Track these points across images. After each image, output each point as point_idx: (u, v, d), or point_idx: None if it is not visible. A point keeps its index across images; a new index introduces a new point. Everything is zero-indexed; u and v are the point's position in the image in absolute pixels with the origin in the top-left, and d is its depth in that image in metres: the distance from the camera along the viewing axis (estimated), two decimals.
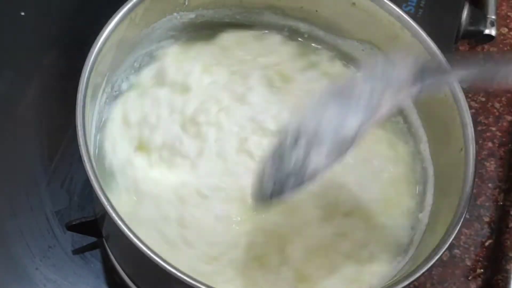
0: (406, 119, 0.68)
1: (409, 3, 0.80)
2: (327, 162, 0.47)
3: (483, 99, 0.83)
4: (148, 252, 0.50)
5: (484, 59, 0.49)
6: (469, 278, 0.73)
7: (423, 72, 0.47)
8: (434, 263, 0.53)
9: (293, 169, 0.48)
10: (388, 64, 0.48)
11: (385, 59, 0.51)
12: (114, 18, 0.59)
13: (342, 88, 0.49)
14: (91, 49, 0.57)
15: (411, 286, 0.53)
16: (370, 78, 0.48)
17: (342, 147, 0.47)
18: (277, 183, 0.48)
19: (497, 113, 0.82)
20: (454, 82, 0.50)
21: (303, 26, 0.70)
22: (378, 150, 0.66)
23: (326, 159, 0.47)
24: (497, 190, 0.77)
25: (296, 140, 0.48)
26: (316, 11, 0.68)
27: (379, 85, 0.47)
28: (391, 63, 0.48)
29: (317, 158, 0.47)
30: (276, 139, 0.50)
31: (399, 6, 0.64)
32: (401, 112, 0.68)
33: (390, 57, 0.52)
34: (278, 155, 0.48)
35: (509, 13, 0.88)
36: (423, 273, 0.53)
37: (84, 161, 0.53)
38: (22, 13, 0.77)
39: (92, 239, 0.68)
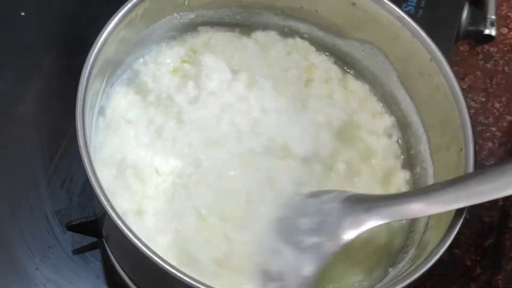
0: (406, 120, 0.68)
1: (409, 3, 0.80)
2: None
3: (483, 99, 0.83)
4: (148, 252, 0.50)
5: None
6: (469, 278, 0.73)
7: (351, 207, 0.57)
8: (434, 263, 0.53)
9: None
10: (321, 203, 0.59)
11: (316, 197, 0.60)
12: (114, 18, 0.59)
13: (290, 234, 0.58)
14: (91, 49, 0.57)
15: (411, 286, 0.53)
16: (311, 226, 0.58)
17: (308, 283, 0.56)
18: None
19: (497, 113, 0.82)
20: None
21: (303, 26, 0.70)
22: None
23: None
24: None
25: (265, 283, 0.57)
26: (316, 11, 0.68)
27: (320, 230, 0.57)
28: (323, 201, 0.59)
29: None
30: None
31: (399, 6, 0.64)
32: (401, 112, 0.68)
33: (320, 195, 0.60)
34: None
35: (509, 13, 0.88)
36: (423, 273, 0.53)
37: (84, 161, 0.53)
38: (22, 13, 0.77)
39: (92, 239, 0.68)
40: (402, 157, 0.67)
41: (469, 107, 0.60)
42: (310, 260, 0.56)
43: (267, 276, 0.57)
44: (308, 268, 0.56)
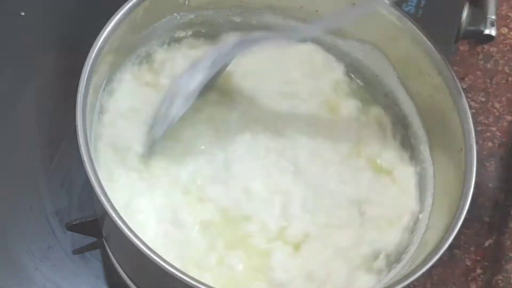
0: (406, 119, 0.68)
1: (409, 3, 0.79)
2: (183, 108, 0.62)
3: (483, 99, 0.83)
4: (148, 252, 0.50)
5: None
6: (469, 278, 0.73)
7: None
8: (434, 263, 0.53)
9: (160, 117, 0.62)
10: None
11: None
12: (114, 18, 0.59)
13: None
14: (91, 49, 0.57)
15: (411, 286, 0.53)
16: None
17: (191, 97, 0.62)
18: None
19: (497, 113, 0.82)
20: None
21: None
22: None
23: (182, 107, 0.62)
24: (497, 190, 0.77)
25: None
26: (316, 11, 0.68)
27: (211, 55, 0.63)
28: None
29: (176, 107, 0.62)
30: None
31: (399, 6, 0.64)
32: (401, 112, 0.68)
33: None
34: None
35: (509, 13, 0.88)
36: (423, 273, 0.53)
37: (84, 161, 0.53)
38: (22, 13, 0.77)
39: (92, 239, 0.68)
40: None
41: (469, 107, 0.60)
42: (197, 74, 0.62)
43: None
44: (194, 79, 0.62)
